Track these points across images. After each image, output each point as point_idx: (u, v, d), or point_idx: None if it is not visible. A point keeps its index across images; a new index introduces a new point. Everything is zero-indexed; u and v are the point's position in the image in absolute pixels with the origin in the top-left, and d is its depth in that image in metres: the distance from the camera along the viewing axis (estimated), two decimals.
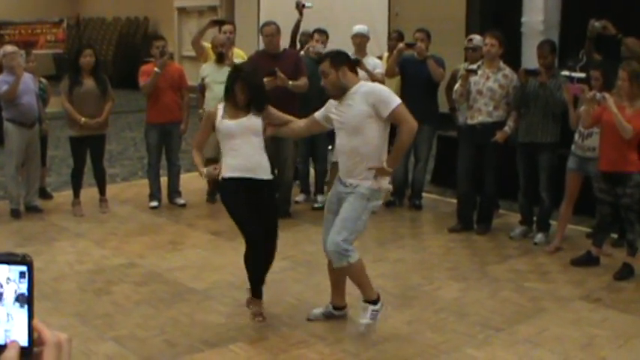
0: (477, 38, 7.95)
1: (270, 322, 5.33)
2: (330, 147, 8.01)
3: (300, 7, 9.06)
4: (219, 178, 5.27)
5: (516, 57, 9.10)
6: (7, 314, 1.13)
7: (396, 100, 4.91)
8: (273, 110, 5.37)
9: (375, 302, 5.05)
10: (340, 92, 4.99)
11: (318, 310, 5.36)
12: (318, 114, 5.30)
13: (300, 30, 9.28)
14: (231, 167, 5.22)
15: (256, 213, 5.20)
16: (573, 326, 5.28)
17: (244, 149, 5.20)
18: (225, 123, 5.24)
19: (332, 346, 4.91)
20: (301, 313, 5.00)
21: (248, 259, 5.32)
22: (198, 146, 5.48)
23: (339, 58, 5.04)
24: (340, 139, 5.06)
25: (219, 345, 4.97)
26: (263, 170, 5.26)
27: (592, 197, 6.56)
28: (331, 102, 5.16)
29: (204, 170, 5.26)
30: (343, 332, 5.18)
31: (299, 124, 5.51)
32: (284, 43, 8.46)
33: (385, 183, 5.08)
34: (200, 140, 5.51)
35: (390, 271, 6.31)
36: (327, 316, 5.34)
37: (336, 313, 5.37)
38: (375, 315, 5.03)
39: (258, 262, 5.31)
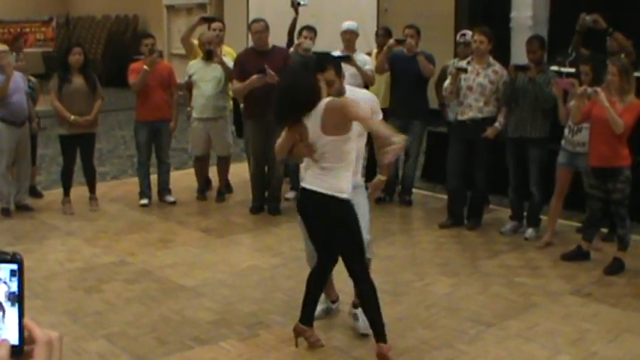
0: (469, 33, 7.96)
1: (261, 318, 5.34)
2: None
3: (295, 5, 9.04)
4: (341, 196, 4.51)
5: (505, 52, 9.13)
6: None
7: None
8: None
9: None
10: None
11: (319, 307, 5.11)
12: None
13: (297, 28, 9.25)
14: (350, 184, 4.62)
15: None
16: (564, 321, 5.30)
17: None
18: None
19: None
20: (292, 310, 4.99)
21: (312, 278, 4.89)
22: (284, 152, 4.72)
23: (340, 66, 4.92)
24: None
25: (210, 342, 4.97)
26: None
27: (582, 192, 6.58)
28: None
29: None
30: (334, 329, 5.19)
31: None
32: (277, 41, 8.42)
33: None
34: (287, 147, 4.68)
35: (380, 267, 6.29)
36: (327, 312, 5.36)
37: (333, 306, 5.43)
38: None
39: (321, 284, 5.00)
